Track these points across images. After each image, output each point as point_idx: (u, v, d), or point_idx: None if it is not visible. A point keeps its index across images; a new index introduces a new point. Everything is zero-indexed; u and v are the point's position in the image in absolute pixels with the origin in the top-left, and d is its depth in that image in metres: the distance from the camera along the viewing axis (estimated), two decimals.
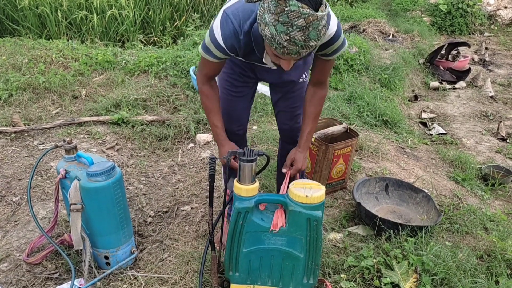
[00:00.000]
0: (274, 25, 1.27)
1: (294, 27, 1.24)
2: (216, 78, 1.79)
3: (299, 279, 1.65)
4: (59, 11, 5.04)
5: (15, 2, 5.11)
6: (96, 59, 4.06)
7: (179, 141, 3.08)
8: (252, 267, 1.65)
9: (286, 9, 1.23)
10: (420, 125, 4.14)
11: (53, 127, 3.00)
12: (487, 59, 6.05)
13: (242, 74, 1.85)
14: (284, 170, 1.78)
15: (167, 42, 5.49)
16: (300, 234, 1.55)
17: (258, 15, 1.34)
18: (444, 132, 3.90)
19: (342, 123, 2.63)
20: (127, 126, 3.11)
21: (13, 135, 2.88)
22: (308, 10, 1.22)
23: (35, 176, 2.49)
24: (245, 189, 1.52)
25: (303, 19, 1.24)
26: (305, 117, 1.80)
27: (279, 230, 1.56)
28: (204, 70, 1.68)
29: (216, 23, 1.51)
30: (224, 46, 1.52)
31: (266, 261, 1.64)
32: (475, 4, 7.21)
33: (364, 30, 6.17)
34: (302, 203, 1.49)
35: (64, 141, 1.77)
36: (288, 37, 1.26)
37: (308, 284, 1.66)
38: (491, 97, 4.78)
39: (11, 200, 2.29)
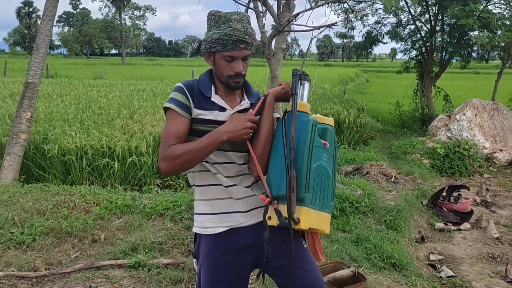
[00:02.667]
0: (218, 28, 1.72)
1: (233, 21, 1.71)
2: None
3: (330, 200, 1.70)
4: (84, 159, 5.50)
5: (44, 151, 5.61)
6: (116, 203, 4.33)
7: (192, 284, 3.16)
8: (315, 186, 1.63)
9: (221, 14, 1.74)
10: (429, 267, 4.18)
11: (72, 272, 3.12)
12: (489, 200, 6.25)
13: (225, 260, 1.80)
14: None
15: (181, 185, 5.83)
16: (333, 153, 1.71)
17: (203, 42, 1.77)
18: (454, 274, 3.93)
19: (350, 267, 2.74)
20: (143, 269, 3.22)
21: (34, 279, 2.99)
22: (238, 12, 1.76)
23: None
24: (308, 106, 1.72)
25: (236, 15, 1.73)
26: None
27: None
28: (167, 134, 1.69)
29: (174, 86, 1.84)
30: (182, 85, 1.80)
31: (320, 181, 1.65)
32: (471, 148, 7.67)
33: (367, 173, 6.52)
34: (329, 124, 1.72)
35: None
36: (231, 28, 1.69)
37: (332, 206, 1.71)
38: (496, 238, 4.88)
39: None
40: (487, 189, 6.70)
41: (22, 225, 3.83)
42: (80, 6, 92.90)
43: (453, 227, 5.23)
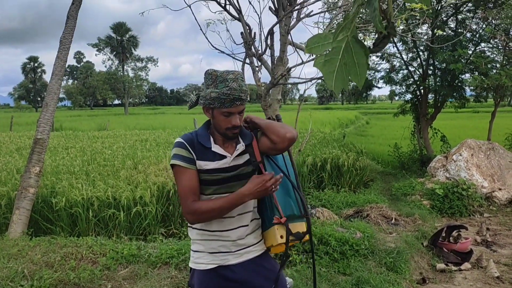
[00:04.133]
0: (215, 87, 1.93)
1: (229, 80, 1.91)
2: None
3: None
4: (90, 210, 5.66)
5: (51, 204, 5.79)
6: (122, 253, 4.46)
7: None
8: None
9: (217, 74, 1.94)
10: None
11: None
12: (489, 239, 6.32)
13: None
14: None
15: (185, 233, 5.95)
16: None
17: (202, 97, 1.97)
18: None
19: None
20: None
21: None
22: (232, 71, 1.96)
23: None
24: None
25: (231, 74, 1.94)
26: None
27: None
28: (182, 191, 1.96)
29: (175, 142, 2.05)
30: (182, 141, 2.00)
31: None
32: (469, 188, 7.80)
33: (367, 215, 6.63)
34: None
35: None
36: (228, 88, 1.90)
37: None
38: (497, 277, 4.93)
39: None
40: (487, 228, 6.78)
41: (32, 277, 3.95)
42: (84, 60, 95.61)
43: (454, 268, 5.29)
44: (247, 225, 2.06)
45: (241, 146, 2.06)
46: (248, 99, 2.02)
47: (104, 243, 4.77)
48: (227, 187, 2.02)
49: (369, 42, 10.88)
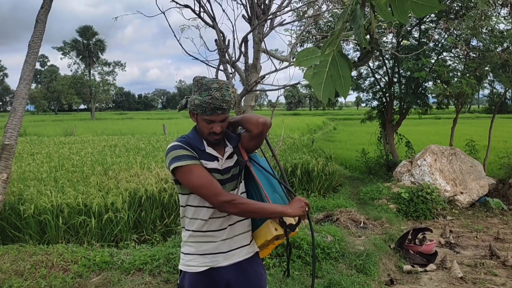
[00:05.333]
0: (199, 94, 1.99)
1: (213, 89, 1.97)
2: None
3: None
4: (60, 217, 5.56)
5: (19, 211, 5.65)
6: (94, 260, 4.41)
7: None
8: None
9: (203, 82, 2.00)
10: None
11: None
12: (452, 241, 6.59)
13: None
14: None
15: (157, 239, 5.93)
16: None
17: (188, 103, 2.04)
18: None
19: None
20: None
21: None
22: (218, 80, 2.03)
23: None
24: None
25: (216, 84, 1.99)
26: None
27: None
28: (206, 181, 2.01)
29: (169, 147, 2.09)
30: (178, 143, 2.06)
31: None
32: (433, 192, 8.09)
33: (337, 219, 6.79)
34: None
35: None
36: (210, 97, 1.96)
37: None
38: (461, 278, 5.15)
39: None
40: (450, 231, 7.05)
41: (1, 286, 3.86)
42: (48, 63, 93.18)
43: (419, 269, 5.49)
44: (234, 224, 2.14)
45: (229, 149, 2.16)
46: (232, 107, 2.09)
47: (75, 250, 4.70)
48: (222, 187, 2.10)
49: (351, 53, 11.17)
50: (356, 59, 10.39)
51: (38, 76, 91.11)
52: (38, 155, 10.90)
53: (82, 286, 4.01)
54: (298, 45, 6.19)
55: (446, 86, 8.61)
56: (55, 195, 5.94)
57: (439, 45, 10.44)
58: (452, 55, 10.56)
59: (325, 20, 9.63)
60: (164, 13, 4.61)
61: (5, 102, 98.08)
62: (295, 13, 6.96)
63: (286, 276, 2.26)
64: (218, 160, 2.12)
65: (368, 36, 1.03)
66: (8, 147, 5.52)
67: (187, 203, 2.13)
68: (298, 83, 4.53)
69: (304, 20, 6.68)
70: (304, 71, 1.05)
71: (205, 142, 2.12)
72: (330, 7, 6.53)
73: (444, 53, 10.56)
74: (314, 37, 9.19)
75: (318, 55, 1.03)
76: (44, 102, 78.91)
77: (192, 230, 2.12)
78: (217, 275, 2.09)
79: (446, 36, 9.99)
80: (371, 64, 11.52)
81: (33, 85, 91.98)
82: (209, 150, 2.12)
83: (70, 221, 5.63)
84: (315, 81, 1.00)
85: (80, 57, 66.55)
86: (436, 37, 10.40)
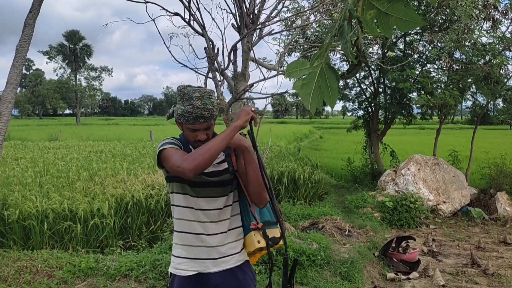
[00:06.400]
0: (182, 104, 2.03)
1: (194, 98, 2.01)
2: None
3: None
4: (45, 223, 5.52)
5: (3, 217, 5.60)
6: (79, 266, 4.39)
7: None
8: None
9: (185, 91, 2.04)
10: None
11: None
12: (435, 250, 6.70)
13: None
14: None
15: (143, 245, 5.91)
16: None
17: (173, 111, 2.07)
18: None
19: None
20: None
21: None
22: (199, 89, 2.06)
23: None
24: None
25: (197, 93, 2.03)
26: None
27: None
28: (174, 153, 2.01)
29: (161, 142, 2.11)
30: (171, 139, 2.11)
31: None
32: (416, 201, 8.22)
33: (322, 227, 6.85)
34: None
35: None
36: (191, 106, 2.00)
37: None
38: (443, 286, 5.24)
39: None
40: (433, 239, 7.17)
41: None
42: (34, 67, 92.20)
43: (403, 277, 5.57)
44: (226, 232, 2.16)
45: (221, 155, 2.20)
46: (214, 116, 2.11)
47: (60, 256, 4.67)
48: (209, 190, 2.13)
49: (338, 63, 11.28)
50: (343, 69, 10.55)
51: (23, 80, 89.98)
52: (23, 160, 10.79)
53: None
54: (286, 54, 6.28)
55: (430, 97, 8.78)
56: (40, 201, 5.90)
57: (424, 57, 10.65)
58: (436, 66, 10.79)
59: (312, 30, 9.76)
60: (154, 20, 4.65)
61: None
62: (284, 23, 7.05)
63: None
64: None
65: (355, 49, 1.09)
66: None
67: (173, 202, 2.18)
68: (286, 91, 4.61)
69: (292, 30, 6.78)
70: (294, 82, 1.11)
71: (192, 149, 2.15)
72: (318, 18, 6.65)
73: (428, 65, 10.79)
74: (301, 47, 9.32)
75: (307, 67, 1.08)
76: (29, 106, 77.92)
77: (183, 232, 2.15)
78: (206, 280, 2.12)
79: (430, 48, 10.20)
80: (357, 75, 11.69)
81: (18, 89, 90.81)
82: None
83: (55, 226, 5.59)
84: (304, 91, 1.06)
85: (66, 61, 66.04)
86: (421, 49, 10.62)
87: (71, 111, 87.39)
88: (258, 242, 2.11)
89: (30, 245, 5.50)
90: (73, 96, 64.06)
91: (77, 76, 66.46)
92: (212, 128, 2.14)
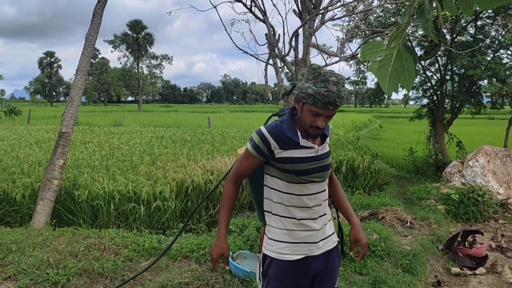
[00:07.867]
0: (314, 84, 1.89)
1: (330, 82, 1.88)
2: None
3: None
4: (111, 203, 5.80)
5: (74, 196, 5.94)
6: (144, 246, 4.58)
7: None
8: None
9: (322, 72, 1.90)
10: None
11: None
12: (504, 245, 6.33)
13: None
14: (357, 259, 2.31)
15: (203, 229, 6.07)
16: None
17: (297, 88, 1.97)
18: None
19: None
20: None
21: None
22: (336, 74, 1.92)
23: None
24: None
25: (334, 77, 1.89)
26: (341, 198, 2.31)
27: None
28: (237, 168, 2.14)
29: (256, 130, 2.09)
30: (265, 133, 2.03)
31: None
32: (485, 194, 7.79)
33: (382, 218, 6.68)
34: None
35: None
36: (326, 90, 1.86)
37: None
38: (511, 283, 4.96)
39: None
40: (502, 235, 6.78)
41: (57, 266, 4.09)
42: (100, 56, 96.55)
43: (468, 272, 5.32)
44: (326, 214, 2.16)
45: (328, 140, 2.15)
46: (342, 105, 2.00)
47: (126, 235, 4.89)
48: (314, 176, 2.07)
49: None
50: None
51: (90, 68, 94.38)
52: (90, 144, 11.37)
53: (132, 270, 4.17)
54: (347, 40, 6.12)
55: (502, 85, 8.24)
56: (107, 182, 6.19)
57: (496, 42, 9.98)
58: (510, 52, 10.08)
59: (375, 15, 9.43)
60: (216, 7, 4.69)
61: (58, 93, 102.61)
62: (346, 8, 6.86)
63: (341, 258, 2.30)
64: (312, 148, 2.07)
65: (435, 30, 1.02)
66: (65, 135, 5.81)
67: (272, 185, 2.12)
68: (348, 78, 4.49)
69: (354, 15, 6.59)
70: (369, 64, 1.06)
71: (299, 134, 2.04)
72: (382, 2, 6.40)
73: (501, 51, 10.09)
74: (363, 33, 9.04)
75: (383, 48, 1.03)
76: (95, 93, 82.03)
77: (284, 216, 2.08)
78: (311, 264, 2.08)
79: (503, 33, 9.54)
80: (422, 62, 11.19)
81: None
82: (303, 142, 2.05)
83: (120, 207, 5.86)
84: (381, 74, 1.01)
85: (130, 50, 68.52)
86: (493, 33, 9.95)
87: (133, 98, 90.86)
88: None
89: (98, 223, 5.81)
90: (136, 83, 66.51)
91: (139, 64, 68.85)
92: (332, 117, 2.02)
